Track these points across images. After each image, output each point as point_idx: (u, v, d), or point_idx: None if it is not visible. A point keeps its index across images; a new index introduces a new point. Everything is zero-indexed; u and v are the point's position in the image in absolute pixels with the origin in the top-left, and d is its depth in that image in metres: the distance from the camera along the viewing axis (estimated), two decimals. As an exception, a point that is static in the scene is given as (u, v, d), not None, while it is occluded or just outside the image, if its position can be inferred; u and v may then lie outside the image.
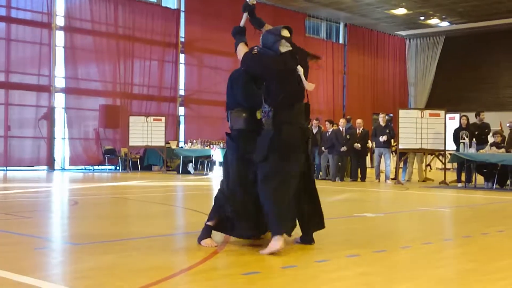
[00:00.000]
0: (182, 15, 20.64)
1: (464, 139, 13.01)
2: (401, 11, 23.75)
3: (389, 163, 14.39)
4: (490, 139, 13.19)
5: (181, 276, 3.77)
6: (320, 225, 4.90)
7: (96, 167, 18.38)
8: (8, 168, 16.69)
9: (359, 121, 14.98)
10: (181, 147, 18.98)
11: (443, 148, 14.00)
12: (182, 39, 20.55)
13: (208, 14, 20.90)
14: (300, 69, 4.64)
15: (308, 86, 4.66)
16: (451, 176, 14.86)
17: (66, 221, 6.78)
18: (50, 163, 17.61)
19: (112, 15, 18.73)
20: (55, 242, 5.20)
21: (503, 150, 12.07)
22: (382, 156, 14.35)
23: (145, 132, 17.27)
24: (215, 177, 14.84)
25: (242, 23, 5.05)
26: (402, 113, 14.21)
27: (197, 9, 20.80)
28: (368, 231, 5.91)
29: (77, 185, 12.33)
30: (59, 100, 17.88)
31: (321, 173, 15.10)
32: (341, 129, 14.71)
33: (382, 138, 14.07)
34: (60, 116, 17.92)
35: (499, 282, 3.72)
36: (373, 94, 27.81)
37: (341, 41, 26.86)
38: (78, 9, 18.10)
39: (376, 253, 4.58)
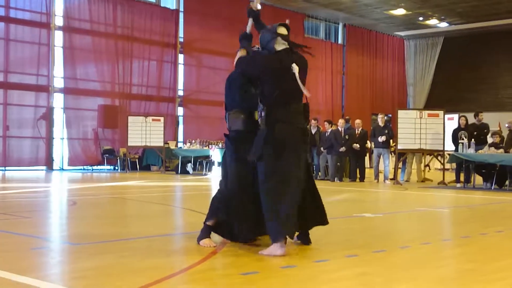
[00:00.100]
0: (181, 15, 20.64)
1: (463, 139, 13.00)
2: (400, 11, 23.75)
3: (388, 163, 14.39)
4: (489, 139, 13.20)
5: (180, 276, 3.77)
6: (324, 222, 4.86)
7: (94, 167, 18.38)
8: (6, 168, 16.68)
9: (358, 121, 14.99)
10: (180, 147, 18.99)
11: (442, 149, 14.01)
12: (181, 40, 20.56)
13: (207, 15, 20.91)
14: (295, 67, 4.60)
15: (304, 90, 4.62)
16: (450, 176, 14.86)
17: (64, 221, 6.78)
18: (48, 163, 17.60)
19: (111, 15, 18.72)
20: (54, 242, 5.19)
21: (501, 150, 12.07)
22: (381, 157, 14.35)
23: (144, 132, 17.26)
24: (214, 177, 14.84)
25: (248, 29, 5.05)
26: (401, 113, 14.24)
27: (195, 10, 20.80)
28: (367, 231, 5.91)
29: (76, 185, 12.32)
30: (58, 100, 17.88)
31: (319, 173, 15.10)
32: (340, 129, 14.70)
33: (381, 139, 14.07)
34: (59, 116, 17.92)
35: (498, 282, 3.72)
36: (372, 94, 27.82)
37: (340, 41, 26.87)
38: (77, 9, 18.08)
39: (375, 253, 4.57)
